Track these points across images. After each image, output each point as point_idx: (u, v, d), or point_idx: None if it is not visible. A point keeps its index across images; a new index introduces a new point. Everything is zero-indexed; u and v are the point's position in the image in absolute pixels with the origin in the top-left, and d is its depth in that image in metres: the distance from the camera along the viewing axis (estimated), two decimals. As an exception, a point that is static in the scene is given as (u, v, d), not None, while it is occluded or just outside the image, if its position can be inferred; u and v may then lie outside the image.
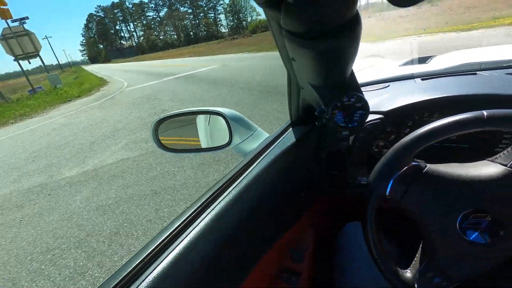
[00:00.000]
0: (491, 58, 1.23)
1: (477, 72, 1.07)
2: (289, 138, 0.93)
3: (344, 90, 0.61)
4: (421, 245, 0.67)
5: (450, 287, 0.61)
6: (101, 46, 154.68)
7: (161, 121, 0.95)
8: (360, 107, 0.62)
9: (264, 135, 1.05)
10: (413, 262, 0.66)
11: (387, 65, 1.74)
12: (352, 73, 0.61)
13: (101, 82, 20.48)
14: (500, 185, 0.55)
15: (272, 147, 0.90)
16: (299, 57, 0.48)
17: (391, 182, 0.60)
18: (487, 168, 0.58)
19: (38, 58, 21.34)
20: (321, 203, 1.04)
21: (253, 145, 0.99)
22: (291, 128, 1.00)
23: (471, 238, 0.56)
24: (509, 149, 0.57)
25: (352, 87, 0.61)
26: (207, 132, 1.04)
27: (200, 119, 1.15)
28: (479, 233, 0.56)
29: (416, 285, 0.61)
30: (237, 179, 0.74)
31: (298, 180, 0.90)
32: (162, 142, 1.01)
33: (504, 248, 0.56)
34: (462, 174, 0.59)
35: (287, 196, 0.84)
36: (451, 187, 0.58)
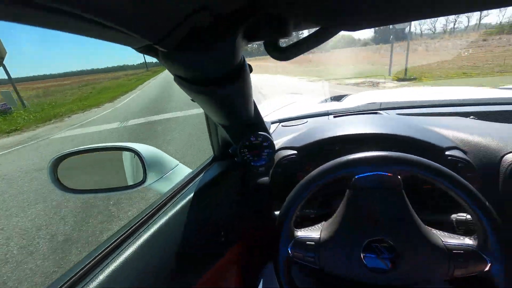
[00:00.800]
0: (388, 99, 1.44)
1: (377, 111, 1.23)
2: (212, 173, 0.91)
3: (251, 130, 0.62)
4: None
5: None
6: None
7: (61, 158, 0.83)
8: (267, 146, 0.64)
9: (185, 171, 1.01)
10: None
11: (309, 102, 1.90)
12: (258, 114, 0.64)
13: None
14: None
15: (193, 183, 0.86)
16: (194, 99, 0.48)
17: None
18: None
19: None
20: (246, 240, 1.02)
21: (172, 181, 0.94)
22: (214, 163, 0.98)
23: (370, 266, 0.60)
24: None
25: (259, 127, 0.63)
26: (122, 169, 0.94)
27: (125, 155, 1.05)
28: (379, 260, 0.61)
29: None
30: (150, 219, 0.68)
31: (219, 217, 0.87)
32: (72, 179, 0.88)
33: (404, 273, 0.61)
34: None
35: (207, 235, 0.80)
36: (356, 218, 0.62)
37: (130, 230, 0.62)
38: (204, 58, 0.33)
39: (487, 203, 0.56)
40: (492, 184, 0.77)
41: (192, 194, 0.80)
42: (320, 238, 0.64)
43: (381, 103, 1.31)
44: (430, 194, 0.86)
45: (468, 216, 0.70)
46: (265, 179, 0.94)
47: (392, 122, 0.99)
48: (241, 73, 0.40)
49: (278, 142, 1.03)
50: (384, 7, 0.29)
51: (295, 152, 0.92)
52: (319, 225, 0.69)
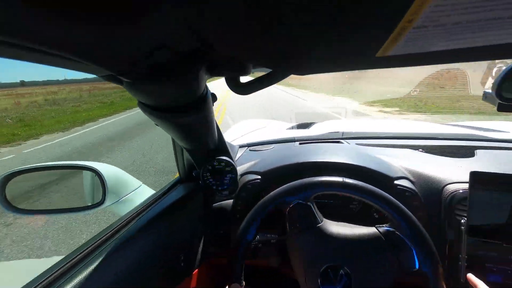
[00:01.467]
0: (350, 129, 1.55)
1: (339, 140, 1.31)
2: (176, 195, 0.90)
3: (214, 155, 0.64)
4: None
5: None
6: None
7: (9, 176, 0.78)
8: (229, 170, 0.66)
9: (149, 192, 0.99)
10: None
11: (277, 127, 1.97)
12: (221, 139, 0.66)
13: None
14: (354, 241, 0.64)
15: (155, 205, 0.84)
16: (157, 124, 0.49)
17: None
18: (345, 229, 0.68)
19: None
20: (206, 267, 1.00)
21: (134, 203, 0.92)
22: (179, 185, 0.97)
23: None
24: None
25: (222, 153, 0.66)
26: (81, 189, 0.91)
27: (86, 174, 1.01)
28: (333, 286, 0.63)
29: None
30: (104, 244, 0.65)
31: (181, 240, 0.85)
32: (24, 199, 0.83)
33: None
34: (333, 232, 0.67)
35: (166, 260, 0.78)
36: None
37: (81, 255, 0.59)
38: (166, 89, 0.36)
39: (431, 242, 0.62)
40: (436, 212, 0.85)
41: (153, 217, 0.78)
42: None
43: (343, 133, 1.40)
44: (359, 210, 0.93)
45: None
46: (229, 202, 0.95)
47: (350, 151, 1.06)
48: (203, 103, 0.43)
49: (244, 166, 1.05)
50: (327, 57, 0.34)
51: (259, 177, 0.95)
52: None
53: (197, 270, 0.94)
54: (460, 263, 0.78)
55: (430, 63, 0.33)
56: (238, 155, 1.21)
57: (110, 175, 0.85)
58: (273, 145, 1.29)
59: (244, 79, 0.42)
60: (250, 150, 1.27)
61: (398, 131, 1.40)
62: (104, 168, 0.84)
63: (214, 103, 0.48)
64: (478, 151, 1.05)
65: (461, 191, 0.82)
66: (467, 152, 1.06)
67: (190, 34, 0.29)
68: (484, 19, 0.25)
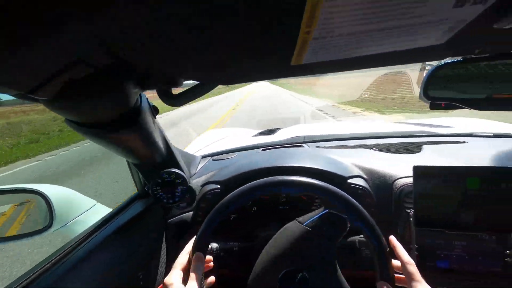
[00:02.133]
0: (312, 133, 1.60)
1: (301, 144, 1.35)
2: (134, 211, 0.87)
3: (162, 168, 0.63)
4: None
5: None
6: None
7: None
8: (180, 182, 0.65)
9: (105, 210, 0.95)
10: None
11: (242, 135, 1.99)
12: (170, 151, 0.66)
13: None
14: (300, 242, 0.66)
15: (112, 222, 0.81)
16: (89, 140, 0.48)
17: None
18: (293, 229, 0.69)
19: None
20: None
21: (88, 223, 0.87)
22: (137, 201, 0.94)
23: None
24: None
25: (172, 165, 0.65)
26: (25, 214, 0.84)
27: (29, 197, 0.94)
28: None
29: None
30: (55, 265, 0.61)
31: (138, 259, 0.82)
32: None
33: None
34: (276, 237, 0.68)
35: (121, 280, 0.74)
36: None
37: (27, 280, 0.55)
38: (88, 106, 0.35)
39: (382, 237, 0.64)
40: (386, 207, 0.89)
41: (108, 235, 0.75)
42: None
43: (304, 137, 1.44)
44: None
45: None
46: (189, 214, 0.94)
47: (309, 154, 1.09)
48: (136, 117, 0.43)
49: (205, 177, 1.04)
50: (249, 68, 0.35)
51: (219, 186, 0.95)
52: None
53: (161, 286, 0.91)
54: (411, 252, 0.82)
55: (344, 70, 0.36)
56: (201, 165, 1.20)
57: (58, 197, 0.80)
58: (236, 153, 1.30)
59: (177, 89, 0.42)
60: (213, 160, 1.26)
61: (355, 132, 1.48)
62: (50, 189, 0.79)
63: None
64: (424, 147, 1.13)
65: (408, 185, 0.88)
66: (414, 148, 1.14)
67: (104, 51, 0.28)
68: (375, 29, 0.28)
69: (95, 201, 0.92)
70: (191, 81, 0.41)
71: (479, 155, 1.01)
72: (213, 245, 0.85)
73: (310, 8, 0.23)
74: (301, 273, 0.65)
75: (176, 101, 0.41)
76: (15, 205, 0.82)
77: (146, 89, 0.40)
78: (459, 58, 0.58)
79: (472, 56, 0.55)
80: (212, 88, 0.41)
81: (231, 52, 0.30)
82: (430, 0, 0.24)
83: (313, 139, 1.40)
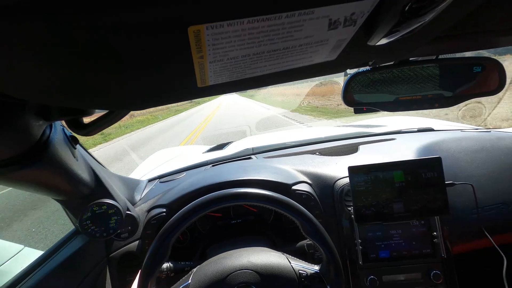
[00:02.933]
0: (261, 144, 1.63)
1: (250, 156, 1.37)
2: (72, 248, 0.80)
3: (90, 200, 0.59)
4: None
5: None
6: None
7: None
8: (113, 213, 0.61)
9: (35, 254, 0.85)
10: None
11: (195, 152, 1.95)
12: (99, 181, 0.62)
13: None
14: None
15: (46, 263, 0.73)
16: None
17: None
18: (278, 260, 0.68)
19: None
20: None
21: (14, 271, 0.77)
22: (76, 236, 0.86)
23: None
24: None
25: (102, 195, 0.61)
26: None
27: None
28: None
29: None
30: None
31: None
32: None
33: None
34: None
35: None
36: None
37: None
38: None
39: (327, 236, 0.67)
40: (330, 207, 0.94)
41: (43, 278, 0.67)
42: (189, 286, 0.62)
43: (253, 148, 1.47)
44: (290, 228, 0.99)
45: None
46: (135, 244, 0.88)
47: (256, 166, 1.11)
48: (43, 153, 0.39)
49: (151, 201, 0.99)
50: (158, 93, 0.35)
51: (164, 209, 0.91)
52: (192, 270, 0.68)
53: None
54: (356, 248, 0.88)
55: (252, 87, 0.37)
56: (147, 190, 1.14)
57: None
58: (184, 173, 1.27)
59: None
60: (160, 182, 1.21)
61: (300, 139, 1.54)
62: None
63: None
64: (360, 147, 1.23)
65: (347, 184, 0.94)
66: (352, 149, 1.23)
67: None
68: (266, 51, 0.30)
69: (22, 246, 0.81)
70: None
71: (405, 149, 1.12)
72: (164, 265, 0.80)
73: (194, 36, 0.23)
74: (251, 286, 0.65)
75: (87, 130, 0.39)
76: None
77: (50, 121, 0.38)
78: (368, 67, 0.65)
79: (374, 65, 0.62)
80: (126, 114, 0.40)
81: (134, 81, 0.29)
82: (304, 25, 0.26)
83: (261, 150, 1.43)
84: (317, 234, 0.66)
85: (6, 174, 0.37)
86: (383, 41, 0.33)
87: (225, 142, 1.98)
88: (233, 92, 0.38)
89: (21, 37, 0.18)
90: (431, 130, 1.40)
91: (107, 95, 0.31)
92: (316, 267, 0.68)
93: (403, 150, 1.12)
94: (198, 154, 1.86)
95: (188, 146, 2.29)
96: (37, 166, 0.39)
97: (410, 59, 0.63)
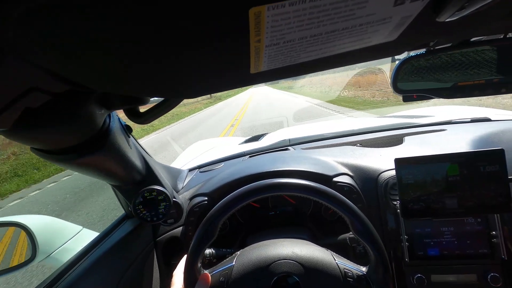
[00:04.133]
0: (297, 135, 1.61)
1: (287, 147, 1.36)
2: (122, 232, 0.86)
3: (142, 187, 0.62)
4: None
5: None
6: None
7: None
8: (162, 199, 0.64)
9: (92, 235, 0.93)
10: None
11: (230, 144, 1.98)
12: (149, 169, 0.65)
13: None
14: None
15: (99, 245, 0.79)
16: (60, 166, 0.47)
17: None
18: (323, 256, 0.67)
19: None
20: None
21: (75, 250, 0.85)
22: (125, 221, 0.93)
23: None
24: None
25: (152, 182, 0.64)
26: (7, 247, 0.81)
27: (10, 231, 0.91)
28: None
29: None
30: None
31: (131, 279, 0.80)
32: None
33: None
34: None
35: None
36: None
37: None
38: (50, 132, 0.34)
39: (377, 236, 0.63)
40: (374, 201, 0.90)
41: (97, 259, 0.74)
42: (233, 268, 0.64)
43: (289, 140, 1.45)
44: (332, 220, 0.96)
45: None
46: (179, 230, 0.92)
47: (295, 157, 1.10)
48: (105, 139, 0.42)
49: (192, 190, 1.03)
50: (212, 81, 0.35)
51: (206, 198, 0.94)
52: (236, 253, 0.69)
53: None
54: (402, 244, 0.83)
55: (306, 72, 0.36)
56: (188, 179, 1.19)
57: (39, 227, 0.78)
58: (222, 163, 1.29)
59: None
60: (200, 172, 1.25)
61: (339, 130, 1.49)
62: (29, 220, 0.77)
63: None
64: (406, 138, 1.15)
65: (393, 177, 0.89)
66: (397, 141, 1.16)
67: (55, 78, 0.28)
68: (324, 32, 0.29)
69: (81, 227, 0.89)
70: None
71: (458, 141, 1.03)
72: (207, 251, 0.83)
73: (254, 18, 0.23)
74: (293, 277, 0.64)
75: (144, 119, 0.41)
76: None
77: (111, 110, 0.40)
78: (422, 50, 0.60)
79: (434, 48, 0.57)
80: (179, 102, 0.41)
81: (190, 68, 0.30)
82: (369, 1, 0.25)
83: (299, 141, 1.41)
84: (368, 233, 0.63)
85: (74, 160, 0.40)
86: (453, 17, 0.30)
87: (261, 133, 1.98)
88: (284, 78, 0.37)
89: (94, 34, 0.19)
90: (488, 120, 1.27)
91: (165, 83, 0.32)
92: (363, 269, 0.65)
93: (455, 142, 1.03)
94: (233, 145, 1.89)
95: (223, 138, 2.34)
96: (100, 153, 0.42)
97: (472, 39, 0.57)
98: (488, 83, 0.57)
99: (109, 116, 0.46)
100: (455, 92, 0.60)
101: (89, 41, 0.21)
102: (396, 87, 0.64)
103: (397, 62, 0.69)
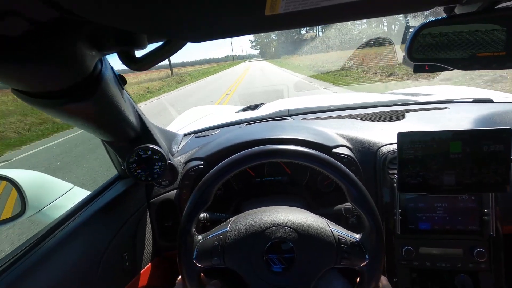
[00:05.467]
0: (296, 106, 1.57)
1: (286, 117, 1.33)
2: (115, 192, 0.84)
3: (137, 144, 0.59)
4: None
5: None
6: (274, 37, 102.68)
7: None
8: (158, 158, 0.62)
9: (83, 193, 0.91)
10: None
11: (226, 112, 1.93)
12: (145, 126, 0.62)
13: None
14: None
15: (90, 205, 0.78)
16: (43, 112, 0.43)
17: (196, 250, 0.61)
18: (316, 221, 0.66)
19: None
20: (159, 262, 0.96)
21: (66, 207, 0.83)
22: (118, 181, 0.91)
23: (274, 269, 0.62)
24: None
25: (147, 140, 0.61)
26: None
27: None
28: (279, 262, 0.63)
29: None
30: (34, 249, 0.59)
31: (122, 239, 0.80)
32: None
33: (300, 272, 0.63)
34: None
35: (105, 261, 0.73)
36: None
37: (5, 264, 0.53)
38: (31, 70, 0.30)
39: (373, 204, 0.63)
40: (372, 174, 0.90)
41: (89, 217, 0.73)
42: (227, 234, 0.63)
43: (288, 110, 1.42)
44: (327, 192, 0.96)
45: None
46: (173, 193, 0.91)
47: (293, 126, 1.08)
48: (96, 85, 0.38)
49: (188, 154, 1.01)
50: (220, 21, 0.31)
51: (202, 162, 0.92)
52: (230, 219, 0.68)
53: (148, 266, 0.91)
54: (395, 217, 0.84)
55: (323, 21, 0.32)
56: (183, 143, 1.16)
57: (29, 182, 0.75)
58: (219, 129, 1.26)
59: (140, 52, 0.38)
60: (195, 137, 1.23)
61: (339, 103, 1.46)
62: (18, 174, 0.74)
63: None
64: (407, 114, 1.13)
65: (392, 152, 0.88)
66: (398, 116, 1.14)
67: (41, 1, 0.24)
68: None
69: (72, 185, 0.87)
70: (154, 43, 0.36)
71: (460, 119, 1.02)
72: (201, 214, 0.83)
73: None
74: (288, 243, 0.64)
75: (141, 64, 0.37)
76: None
77: (104, 51, 0.36)
78: (444, 15, 0.55)
79: (456, 13, 0.53)
80: (181, 47, 0.37)
81: (200, 4, 0.26)
82: None
83: (297, 112, 1.38)
84: (364, 201, 0.62)
85: (60, 106, 0.37)
86: None
87: (261, 102, 1.94)
88: (301, 26, 0.33)
89: None
90: (490, 101, 1.26)
91: (166, 20, 0.28)
92: (356, 236, 0.65)
93: (457, 120, 1.02)
94: (231, 113, 1.85)
95: (220, 105, 2.29)
96: (90, 101, 0.39)
97: (496, 7, 0.53)
98: (509, 54, 0.54)
99: (101, 61, 0.41)
100: (473, 63, 0.56)
101: None
102: (410, 55, 0.60)
103: (411, 29, 0.65)
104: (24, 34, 0.26)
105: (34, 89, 0.35)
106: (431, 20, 0.55)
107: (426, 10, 0.40)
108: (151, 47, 0.37)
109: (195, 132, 1.29)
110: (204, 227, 0.82)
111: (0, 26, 0.24)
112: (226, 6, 0.27)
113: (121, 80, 0.48)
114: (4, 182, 0.77)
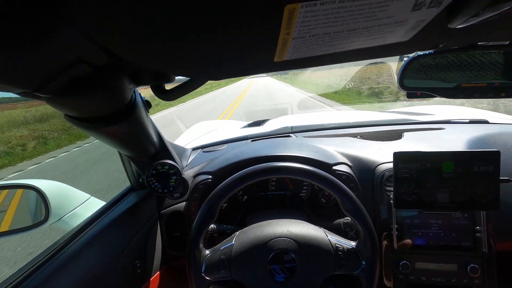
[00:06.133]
0: (299, 123, 1.64)
1: (289, 134, 1.39)
2: (128, 203, 0.90)
3: (156, 160, 0.66)
4: None
5: None
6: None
7: None
8: (174, 173, 0.68)
9: (99, 204, 0.97)
10: None
11: (231, 127, 2.01)
12: (163, 143, 0.68)
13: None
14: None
15: (106, 215, 0.84)
16: (88, 134, 0.50)
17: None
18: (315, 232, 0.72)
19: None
20: (167, 270, 1.01)
21: (83, 216, 0.89)
22: (131, 193, 0.97)
23: (277, 279, 0.67)
24: None
25: (165, 156, 0.67)
26: (23, 209, 0.85)
27: (27, 193, 0.95)
28: (282, 271, 0.68)
29: None
30: (53, 257, 0.64)
31: (135, 248, 0.85)
32: None
33: (302, 279, 0.68)
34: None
35: (119, 269, 0.78)
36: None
37: (27, 273, 0.58)
38: (88, 101, 0.37)
39: (366, 214, 0.69)
40: (370, 191, 0.95)
41: (104, 227, 0.78)
42: (232, 247, 0.69)
43: (292, 127, 1.48)
44: (327, 206, 1.01)
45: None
46: (182, 204, 0.97)
47: (297, 143, 1.14)
48: (131, 111, 0.46)
49: (196, 168, 1.07)
50: (237, 65, 0.38)
51: (210, 176, 0.98)
52: (235, 233, 0.74)
53: (157, 274, 0.95)
54: (392, 232, 0.89)
55: (323, 64, 0.39)
56: (192, 157, 1.22)
57: (52, 191, 0.82)
58: (226, 145, 1.33)
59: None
60: (203, 152, 1.29)
61: (340, 121, 1.52)
62: (44, 184, 0.81)
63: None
64: (405, 134, 1.19)
65: (389, 170, 0.93)
66: (396, 136, 1.20)
67: (100, 50, 0.31)
68: (346, 30, 0.32)
69: (89, 195, 0.94)
70: (182, 77, 0.44)
71: (455, 140, 1.07)
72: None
73: (288, 14, 0.26)
74: (289, 253, 0.69)
75: (169, 95, 0.45)
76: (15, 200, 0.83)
77: (140, 85, 0.43)
78: (431, 50, 0.62)
79: (441, 49, 0.60)
80: (203, 83, 0.44)
81: (218, 50, 0.33)
82: (391, 5, 0.28)
83: (300, 129, 1.45)
84: (356, 211, 0.68)
85: (102, 129, 0.44)
86: (464, 23, 0.33)
87: (265, 119, 2.01)
88: (303, 68, 0.41)
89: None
90: (486, 122, 1.31)
91: (192, 63, 0.35)
92: (352, 243, 0.71)
93: (452, 141, 1.07)
94: (236, 128, 1.92)
95: (226, 120, 2.36)
96: (125, 124, 0.46)
97: (479, 43, 0.60)
98: (489, 86, 0.60)
99: (135, 91, 0.49)
100: (458, 92, 0.63)
101: (140, 19, 0.24)
102: (402, 84, 0.67)
103: (405, 59, 0.72)
104: (85, 75, 0.34)
105: (84, 115, 0.42)
106: (419, 54, 0.63)
107: (408, 54, 0.47)
108: (178, 80, 0.45)
109: (203, 147, 1.36)
110: (211, 238, 0.87)
111: (72, 70, 0.31)
112: (242, 54, 0.34)
113: (147, 105, 0.56)
114: (21, 190, 0.83)
